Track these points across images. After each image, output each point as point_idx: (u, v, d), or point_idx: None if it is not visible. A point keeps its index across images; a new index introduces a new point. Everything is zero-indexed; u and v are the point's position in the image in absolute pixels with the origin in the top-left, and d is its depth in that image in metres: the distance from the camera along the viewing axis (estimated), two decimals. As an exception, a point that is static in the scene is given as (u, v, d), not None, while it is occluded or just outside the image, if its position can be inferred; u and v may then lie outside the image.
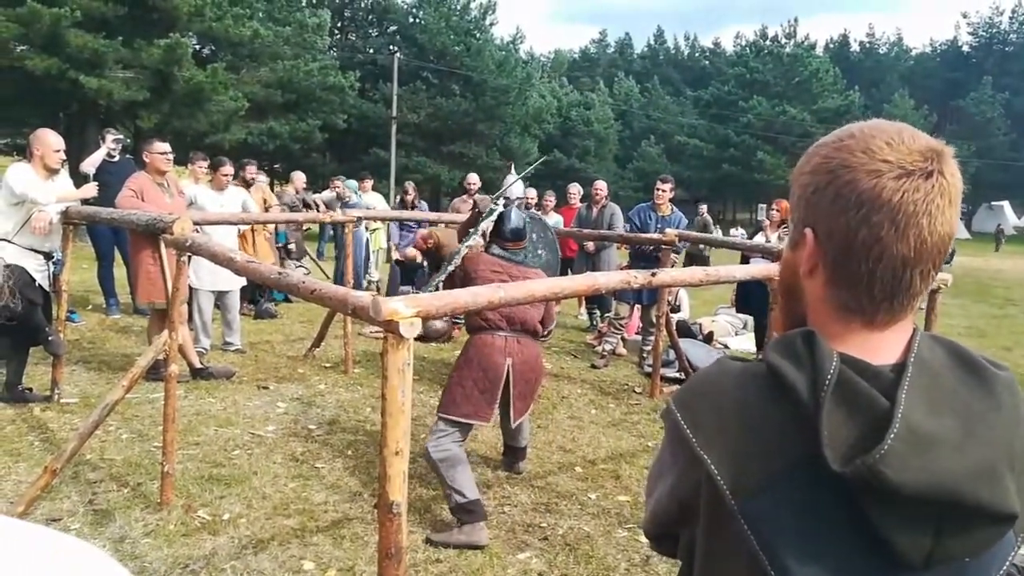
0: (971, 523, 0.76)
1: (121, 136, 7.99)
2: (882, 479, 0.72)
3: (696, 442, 0.83)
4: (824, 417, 0.76)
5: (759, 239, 7.38)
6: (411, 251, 8.20)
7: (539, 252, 5.41)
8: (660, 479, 0.93)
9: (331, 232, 13.28)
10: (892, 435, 0.73)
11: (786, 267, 0.93)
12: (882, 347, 0.83)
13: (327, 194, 10.55)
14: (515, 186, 4.80)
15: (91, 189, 5.47)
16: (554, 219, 9.04)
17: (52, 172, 4.95)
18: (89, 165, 7.34)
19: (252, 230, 7.79)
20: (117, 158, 7.59)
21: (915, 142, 0.81)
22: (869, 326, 0.84)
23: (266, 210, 8.17)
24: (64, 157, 5.07)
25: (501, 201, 4.29)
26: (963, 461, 0.74)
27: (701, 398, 0.88)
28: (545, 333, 4.02)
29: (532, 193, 9.49)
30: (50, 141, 4.94)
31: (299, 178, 10.56)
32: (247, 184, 8.14)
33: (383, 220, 10.37)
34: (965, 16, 68.17)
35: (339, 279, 8.37)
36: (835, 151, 0.84)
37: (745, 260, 6.94)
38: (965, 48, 61.60)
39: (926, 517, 0.75)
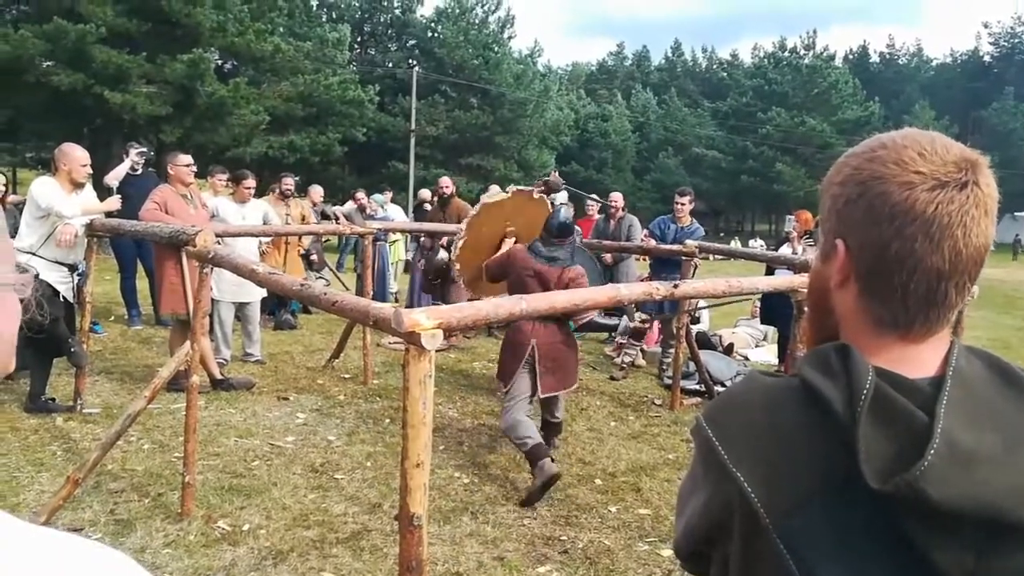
0: (1014, 541, 0.73)
1: (145, 149, 8.08)
2: (922, 496, 0.70)
3: (728, 459, 0.82)
4: (861, 433, 0.74)
5: (785, 250, 7.32)
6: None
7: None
8: (691, 497, 0.91)
9: (351, 244, 13.34)
10: (932, 451, 0.71)
11: (816, 279, 0.91)
12: (919, 360, 0.81)
13: (348, 206, 10.60)
14: (561, 193, 5.38)
15: (115, 202, 5.54)
16: (572, 231, 9.04)
17: (77, 186, 5.02)
18: (113, 178, 7.43)
19: (286, 243, 7.85)
20: (140, 171, 7.67)
21: (948, 152, 0.79)
22: (904, 339, 0.82)
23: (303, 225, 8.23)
24: (91, 171, 5.14)
25: (556, 197, 4.87)
26: (1005, 478, 0.72)
27: (732, 414, 0.86)
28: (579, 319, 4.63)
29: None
30: (77, 156, 5.01)
31: (316, 191, 10.65)
32: (284, 197, 8.23)
33: (403, 231, 10.40)
34: (986, 26, 67.29)
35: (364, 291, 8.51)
36: (866, 162, 0.82)
37: (770, 271, 6.89)
38: (986, 58, 61.07)
39: (968, 535, 0.72)
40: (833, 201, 0.85)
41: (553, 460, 4.14)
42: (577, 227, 8.48)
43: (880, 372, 0.78)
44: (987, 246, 0.80)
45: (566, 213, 4.72)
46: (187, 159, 5.90)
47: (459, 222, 7.69)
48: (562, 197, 6.70)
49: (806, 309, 0.98)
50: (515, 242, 4.78)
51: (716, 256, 8.18)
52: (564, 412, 4.94)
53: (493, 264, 4.91)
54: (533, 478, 4.01)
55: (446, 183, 8.80)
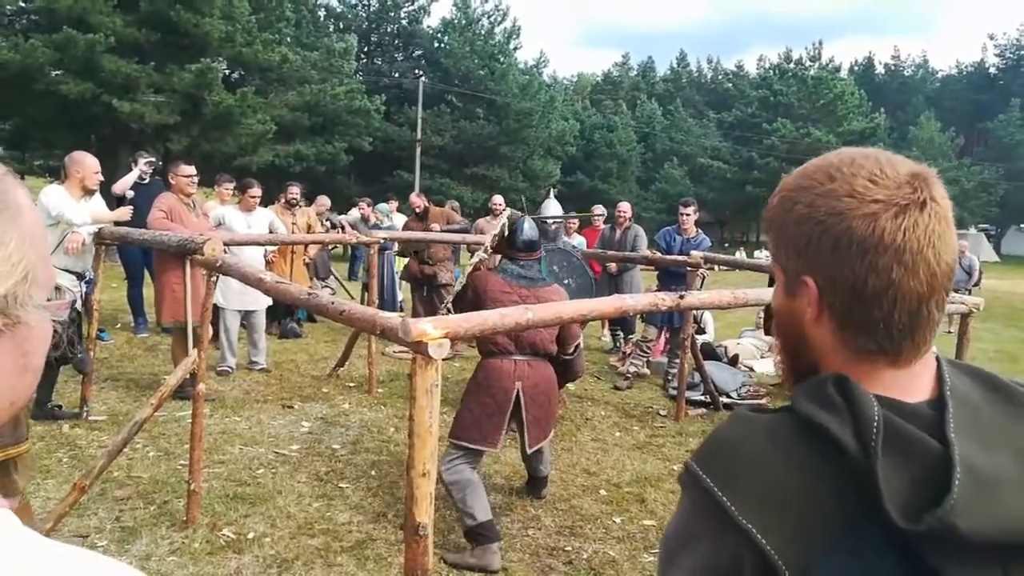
0: None
1: (153, 159, 8.13)
2: (955, 531, 0.67)
3: (736, 511, 0.75)
4: (880, 471, 0.71)
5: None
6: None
7: (566, 281, 5.40)
8: (684, 552, 0.82)
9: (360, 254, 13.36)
10: (957, 482, 0.68)
11: (786, 314, 0.87)
12: (912, 384, 0.80)
13: (353, 215, 10.62)
14: (552, 208, 4.88)
15: (126, 212, 5.56)
16: (577, 240, 9.05)
17: (87, 193, 5.06)
18: (120, 188, 7.47)
19: (292, 252, 7.88)
20: (148, 180, 7.72)
21: (899, 172, 0.78)
22: (894, 365, 0.80)
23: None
24: (102, 179, 5.19)
25: (506, 212, 4.15)
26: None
27: (730, 458, 0.79)
28: (571, 351, 3.94)
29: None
30: (89, 164, 5.06)
31: (321, 201, 10.68)
32: (290, 206, 8.27)
33: (408, 241, 10.42)
34: (992, 38, 67.59)
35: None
36: (819, 198, 0.80)
37: (772, 282, 6.88)
38: (992, 70, 60.85)
39: (992, 563, 0.70)
40: (791, 240, 0.82)
41: (499, 543, 3.46)
42: (573, 241, 8.53)
43: (882, 401, 0.75)
44: (956, 256, 0.80)
45: (530, 227, 3.97)
46: (190, 170, 5.89)
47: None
48: (555, 208, 6.51)
49: (778, 343, 0.91)
50: (474, 268, 3.91)
51: (721, 267, 8.18)
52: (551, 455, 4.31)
53: (459, 301, 3.91)
54: (471, 548, 3.41)
55: (415, 202, 8.99)
